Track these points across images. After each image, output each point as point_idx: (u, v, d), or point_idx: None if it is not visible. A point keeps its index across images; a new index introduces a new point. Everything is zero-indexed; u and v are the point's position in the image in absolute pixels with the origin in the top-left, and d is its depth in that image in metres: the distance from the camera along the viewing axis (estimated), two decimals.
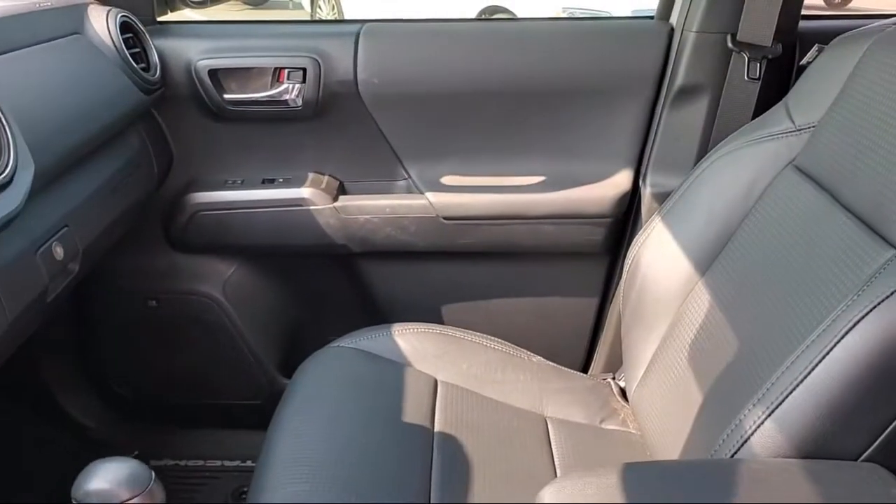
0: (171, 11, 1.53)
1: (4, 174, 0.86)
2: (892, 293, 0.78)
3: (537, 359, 1.40)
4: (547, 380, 1.37)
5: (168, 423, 1.71)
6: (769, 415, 0.82)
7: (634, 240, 1.33)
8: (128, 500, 0.71)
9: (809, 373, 0.81)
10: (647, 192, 1.45)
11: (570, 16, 4.92)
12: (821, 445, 0.80)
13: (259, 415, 1.39)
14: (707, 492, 0.75)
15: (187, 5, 1.53)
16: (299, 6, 7.69)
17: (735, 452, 0.85)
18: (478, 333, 1.40)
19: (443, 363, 1.33)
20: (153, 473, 0.74)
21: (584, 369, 1.62)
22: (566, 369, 1.41)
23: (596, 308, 1.59)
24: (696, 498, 0.73)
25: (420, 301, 1.60)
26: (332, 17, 7.00)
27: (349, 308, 1.63)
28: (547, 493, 0.77)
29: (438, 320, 1.56)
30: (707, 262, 1.19)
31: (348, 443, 1.15)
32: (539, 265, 1.57)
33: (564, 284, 1.58)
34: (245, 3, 8.26)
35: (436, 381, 1.29)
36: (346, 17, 6.78)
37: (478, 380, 1.31)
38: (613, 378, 1.43)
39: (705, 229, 1.22)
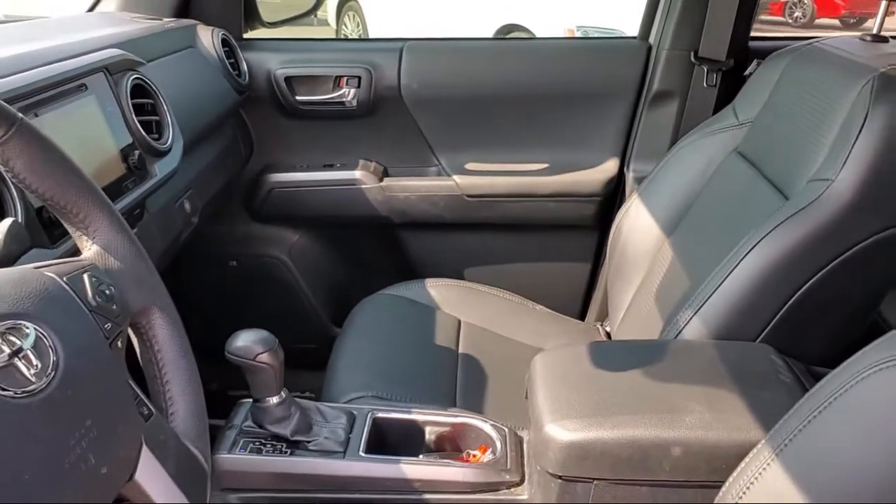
0: (252, 30, 1.91)
1: (168, 144, 1.23)
2: (776, 226, 1.13)
3: (541, 308, 1.74)
4: (548, 323, 1.70)
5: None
6: (695, 313, 1.18)
7: (618, 213, 1.68)
8: (259, 353, 1.06)
9: (722, 282, 1.16)
10: (630, 176, 1.81)
11: (584, 34, 5.20)
12: (730, 333, 1.15)
13: (314, 357, 1.71)
14: (639, 355, 1.10)
15: (266, 26, 1.91)
16: (325, 22, 8.06)
17: None
18: (493, 287, 1.75)
19: (465, 308, 1.66)
20: (277, 340, 1.09)
21: (581, 319, 1.96)
22: (564, 316, 1.75)
23: (590, 269, 1.93)
24: (632, 357, 1.09)
25: (447, 262, 1.93)
26: (358, 32, 7.38)
27: (390, 268, 1.96)
28: (537, 360, 1.12)
29: (461, 277, 1.89)
30: (672, 226, 1.53)
31: (394, 358, 1.49)
32: (543, 234, 1.91)
33: (564, 250, 1.92)
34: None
35: (459, 321, 1.62)
36: (370, 33, 7.16)
37: (492, 321, 1.63)
38: (602, 324, 1.77)
39: (671, 202, 1.56)
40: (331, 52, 1.87)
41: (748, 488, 0.84)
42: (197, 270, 1.93)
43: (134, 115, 1.16)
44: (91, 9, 1.69)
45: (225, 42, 1.70)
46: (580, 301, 1.96)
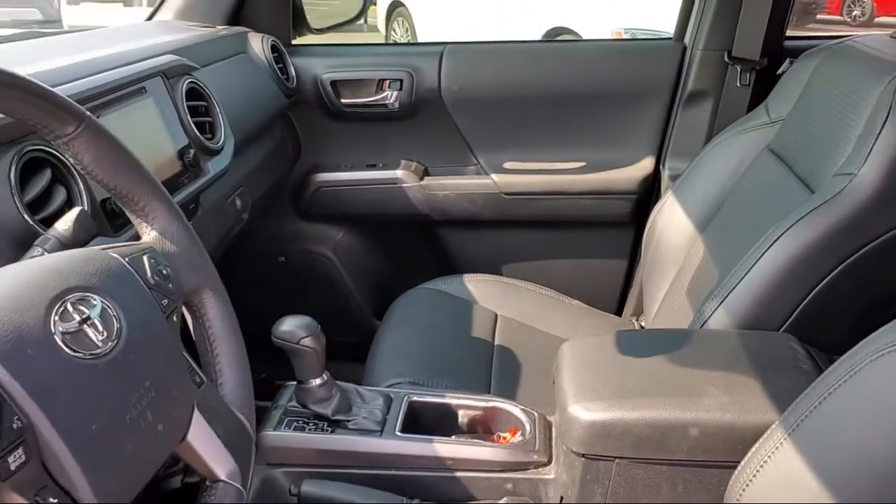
0: (300, 36, 1.99)
1: (220, 143, 1.32)
2: (800, 218, 1.17)
3: (576, 302, 1.79)
4: (582, 317, 1.74)
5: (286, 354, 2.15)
6: (720, 304, 1.22)
7: (653, 210, 1.72)
8: (302, 338, 1.13)
9: (746, 273, 1.20)
10: (665, 174, 1.85)
11: (631, 37, 5.21)
12: (754, 323, 1.19)
13: (355, 349, 1.76)
14: (662, 343, 1.15)
15: (313, 32, 2.00)
16: (374, 28, 8.20)
17: None
18: (529, 282, 1.80)
19: (501, 302, 1.70)
20: (319, 326, 1.16)
21: (618, 315, 1.99)
22: (599, 311, 1.78)
23: (626, 266, 1.97)
24: (655, 345, 1.14)
25: (485, 258, 1.99)
26: (407, 38, 7.48)
27: (429, 264, 2.03)
28: (564, 347, 1.17)
29: (498, 273, 1.92)
30: (705, 222, 1.57)
31: (431, 349, 1.55)
32: (580, 231, 1.96)
33: (600, 247, 1.97)
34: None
35: (496, 315, 1.67)
36: (419, 37, 7.26)
37: (527, 315, 1.67)
38: (637, 319, 1.81)
39: (704, 198, 1.59)
40: (374, 56, 1.95)
41: (761, 467, 0.88)
42: (248, 266, 2.02)
43: (189, 116, 1.25)
44: (149, 18, 1.80)
45: (274, 48, 1.79)
46: (617, 297, 2.00)
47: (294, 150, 1.93)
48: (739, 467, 0.90)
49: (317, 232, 2.03)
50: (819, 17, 8.88)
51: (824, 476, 0.80)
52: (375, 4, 8.07)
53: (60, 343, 0.60)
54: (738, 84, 1.74)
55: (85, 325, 0.63)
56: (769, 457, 0.87)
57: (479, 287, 1.75)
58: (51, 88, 0.71)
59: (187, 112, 1.25)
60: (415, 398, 1.22)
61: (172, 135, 1.20)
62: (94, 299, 0.65)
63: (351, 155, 1.97)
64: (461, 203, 1.94)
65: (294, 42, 1.94)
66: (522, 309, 1.70)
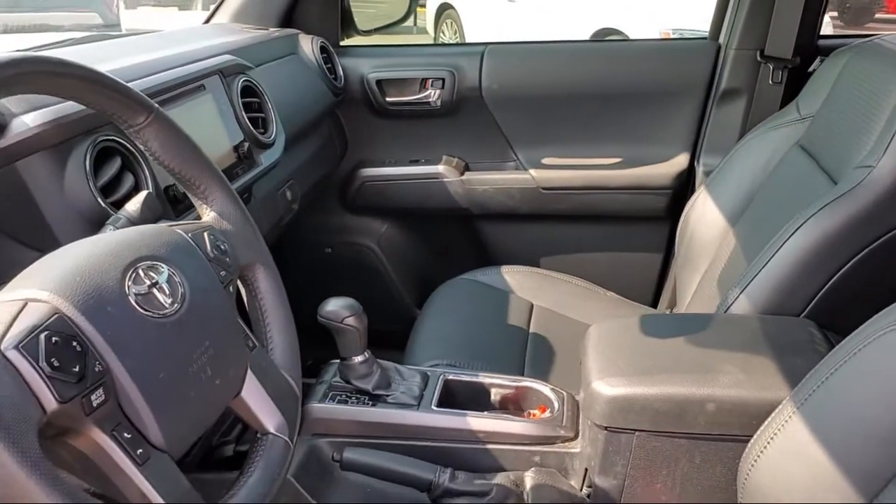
0: (348, 38, 2.09)
1: (272, 137, 1.42)
2: (820, 209, 1.21)
3: (611, 294, 1.84)
4: (616, 308, 1.80)
5: (332, 341, 2.25)
6: (742, 291, 1.27)
7: (686, 204, 1.76)
8: (345, 317, 1.22)
9: (768, 261, 1.25)
10: (700, 170, 1.89)
11: (679, 36, 5.19)
12: (775, 309, 1.23)
13: (396, 337, 1.83)
14: (684, 326, 1.21)
15: (360, 34, 2.09)
16: (423, 31, 8.30)
17: None
18: (564, 274, 1.86)
19: (537, 293, 1.77)
20: (361, 307, 1.25)
21: (654, 307, 2.04)
22: (634, 302, 1.84)
23: (661, 260, 2.02)
24: (677, 327, 1.20)
25: (522, 251, 2.05)
26: (455, 39, 7.57)
27: (468, 256, 2.10)
28: (591, 329, 1.24)
29: (535, 265, 1.98)
30: (736, 216, 1.61)
31: (468, 335, 1.63)
32: (615, 226, 2.02)
33: (636, 241, 2.02)
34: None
35: (532, 305, 1.74)
36: (468, 39, 7.34)
37: (563, 306, 1.73)
38: (671, 311, 1.85)
39: (736, 193, 1.64)
40: (418, 56, 2.03)
41: (772, 440, 0.94)
42: (297, 256, 2.13)
43: (243, 112, 1.35)
44: (206, 21, 1.91)
45: (323, 49, 1.88)
46: (652, 290, 2.05)
47: (341, 146, 2.02)
48: (752, 440, 0.96)
49: (362, 225, 2.12)
50: (879, 15, 8.71)
51: (830, 447, 0.86)
52: (424, 7, 8.18)
53: (134, 303, 0.69)
54: (771, 82, 1.78)
55: (154, 289, 0.72)
56: (779, 430, 0.93)
57: (516, 278, 1.82)
58: (125, 83, 0.81)
59: (242, 108, 1.35)
60: (450, 377, 1.30)
61: (228, 129, 1.30)
62: (162, 267, 0.74)
63: (395, 151, 2.06)
64: (500, 197, 2.01)
65: (342, 43, 2.04)
66: (558, 299, 1.76)
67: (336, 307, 1.22)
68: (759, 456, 0.95)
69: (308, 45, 1.84)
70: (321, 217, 2.09)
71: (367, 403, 1.23)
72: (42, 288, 0.65)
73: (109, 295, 0.68)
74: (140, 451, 0.65)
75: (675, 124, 1.93)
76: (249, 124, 1.36)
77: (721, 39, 1.88)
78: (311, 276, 2.15)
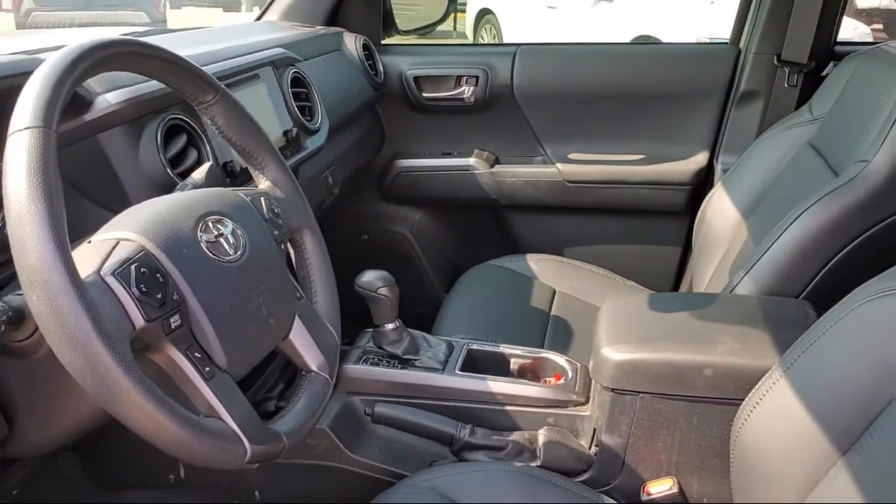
0: (388, 37, 2.22)
1: (317, 125, 1.55)
2: (818, 199, 1.31)
3: (631, 283, 1.94)
4: (635, 295, 1.91)
5: (363, 323, 2.38)
6: (746, 273, 1.37)
7: (704, 199, 1.86)
8: (379, 287, 1.35)
9: (770, 247, 1.35)
10: (718, 168, 1.99)
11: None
12: (775, 291, 1.33)
13: (427, 321, 1.96)
14: (688, 303, 1.31)
15: (400, 34, 2.22)
16: (463, 35, 8.45)
17: None
18: (586, 263, 1.97)
19: (560, 280, 1.87)
20: (394, 279, 1.37)
21: None
22: (652, 291, 1.94)
23: (680, 253, 2.12)
24: (682, 304, 1.30)
25: (547, 240, 2.16)
26: (495, 41, 7.72)
27: (496, 244, 2.22)
28: (604, 305, 1.35)
29: (559, 254, 2.08)
30: (750, 210, 1.71)
31: (492, 314, 1.73)
32: (637, 219, 2.12)
33: (656, 234, 2.12)
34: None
35: (554, 291, 1.85)
36: (506, 40, 7.47)
37: (584, 292, 1.84)
38: None
39: (750, 189, 1.73)
40: (453, 55, 2.16)
41: (760, 401, 1.04)
42: (335, 242, 2.23)
43: (293, 100, 1.48)
44: (258, 18, 2.06)
45: (365, 47, 2.02)
46: (671, 281, 2.14)
47: (379, 137, 2.16)
48: (744, 401, 1.06)
49: (396, 213, 2.25)
50: None
51: (811, 406, 0.97)
52: (464, 13, 8.32)
53: (204, 248, 0.83)
54: (787, 85, 1.87)
55: (220, 239, 0.85)
56: (767, 392, 1.04)
57: (540, 265, 1.93)
58: (199, 66, 0.94)
59: (291, 97, 1.49)
60: (473, 346, 1.42)
61: (279, 115, 1.44)
62: (227, 222, 0.87)
63: (429, 144, 2.19)
64: (527, 189, 2.12)
65: (383, 42, 2.17)
66: (579, 286, 1.86)
67: (371, 278, 1.35)
68: (748, 416, 1.05)
69: (351, 43, 1.98)
70: (359, 205, 2.23)
71: (397, 366, 1.35)
72: (131, 230, 0.78)
73: (185, 239, 0.81)
74: (207, 368, 0.78)
75: (695, 124, 2.03)
76: (298, 112, 1.49)
77: (741, 44, 1.98)
78: (348, 261, 2.24)
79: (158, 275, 0.76)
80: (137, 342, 0.73)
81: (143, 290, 0.73)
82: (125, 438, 1.25)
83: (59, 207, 0.68)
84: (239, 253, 0.86)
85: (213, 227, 0.85)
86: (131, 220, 0.80)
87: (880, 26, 7.98)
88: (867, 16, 8.01)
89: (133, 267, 0.74)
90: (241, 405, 0.80)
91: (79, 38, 0.80)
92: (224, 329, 0.80)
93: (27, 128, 0.69)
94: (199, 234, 0.83)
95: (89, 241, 0.78)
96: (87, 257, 0.73)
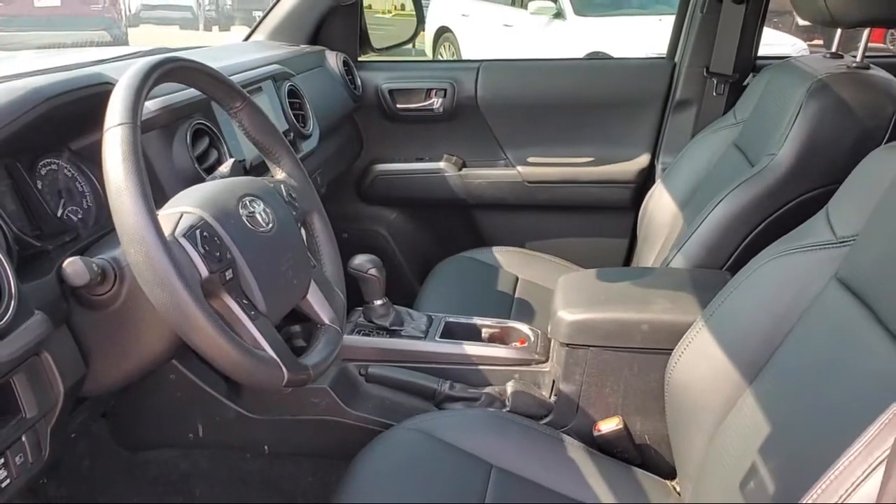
0: (364, 54, 2.45)
1: (310, 130, 1.78)
2: (736, 186, 1.57)
3: (584, 270, 2.20)
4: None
5: (353, 304, 2.60)
6: (678, 251, 1.62)
7: (646, 195, 2.12)
8: (369, 269, 1.58)
9: (698, 227, 1.60)
10: (659, 167, 2.25)
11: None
12: (703, 263, 1.58)
13: None
14: (630, 275, 1.57)
15: (374, 51, 2.46)
16: (422, 52, 8.72)
17: None
18: (545, 254, 2.22)
19: (521, 268, 2.12)
20: (381, 262, 1.60)
21: None
22: None
23: (627, 243, 2.37)
24: (625, 276, 1.56)
25: (510, 235, 2.39)
26: (455, 58, 7.98)
27: (465, 239, 2.44)
28: (561, 278, 1.60)
29: (521, 247, 2.33)
30: (684, 203, 1.95)
31: (463, 298, 1.96)
32: (589, 214, 2.37)
33: (606, 226, 2.38)
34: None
35: (517, 278, 2.09)
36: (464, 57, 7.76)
37: (542, 278, 2.07)
38: None
39: (685, 185, 1.97)
40: (424, 70, 2.41)
41: (687, 347, 1.29)
42: None
43: (289, 109, 1.71)
44: (246, 38, 2.28)
45: (345, 63, 2.25)
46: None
47: (358, 144, 2.39)
48: (674, 349, 1.31)
49: (374, 213, 2.48)
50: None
51: (725, 347, 1.21)
52: (424, 31, 8.60)
53: (245, 220, 1.05)
54: (715, 94, 2.15)
55: (256, 214, 1.07)
56: (692, 339, 1.28)
57: (504, 257, 2.17)
58: (229, 78, 1.17)
59: (288, 106, 1.71)
60: (450, 319, 1.66)
61: (278, 121, 1.66)
62: (259, 202, 1.10)
63: (403, 150, 2.42)
64: (492, 190, 2.37)
65: (360, 59, 2.40)
66: (539, 274, 2.11)
67: (362, 261, 1.59)
68: (678, 361, 1.29)
69: (333, 60, 2.21)
70: (339, 206, 2.44)
71: (385, 336, 1.59)
72: (190, 205, 1.00)
73: (231, 213, 1.03)
74: (252, 312, 1.00)
75: (638, 129, 2.29)
76: (293, 119, 1.72)
77: (676, 58, 2.26)
78: None
79: (216, 238, 0.98)
80: (202, 289, 0.95)
81: (206, 249, 0.95)
82: (151, 402, 1.45)
83: (146, 184, 0.90)
84: (270, 226, 1.08)
85: (250, 204, 1.07)
86: (190, 198, 1.02)
87: (821, 42, 8.45)
88: (808, 32, 8.49)
89: (197, 231, 0.96)
90: (279, 342, 1.02)
91: (148, 56, 1.02)
92: (263, 283, 1.03)
93: (119, 124, 0.91)
94: (240, 209, 1.05)
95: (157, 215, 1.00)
96: (163, 224, 0.95)
